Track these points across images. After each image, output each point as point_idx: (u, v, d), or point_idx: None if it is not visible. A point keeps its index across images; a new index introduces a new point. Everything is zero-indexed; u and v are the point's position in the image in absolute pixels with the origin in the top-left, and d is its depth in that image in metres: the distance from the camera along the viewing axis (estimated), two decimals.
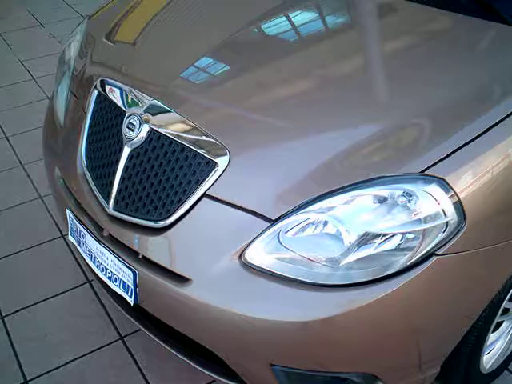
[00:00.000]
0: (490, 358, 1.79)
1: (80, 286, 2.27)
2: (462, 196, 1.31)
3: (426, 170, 1.33)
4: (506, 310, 1.72)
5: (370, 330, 1.37)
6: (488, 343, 1.70)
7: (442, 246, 1.32)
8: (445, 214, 1.31)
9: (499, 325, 1.76)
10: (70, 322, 2.12)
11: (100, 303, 2.19)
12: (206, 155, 1.48)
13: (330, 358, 1.42)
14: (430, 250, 1.32)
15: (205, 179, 1.47)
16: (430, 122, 1.44)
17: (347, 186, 1.35)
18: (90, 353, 2.02)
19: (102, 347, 2.04)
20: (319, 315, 1.34)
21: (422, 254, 1.32)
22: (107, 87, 1.78)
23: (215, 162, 1.46)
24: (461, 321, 1.48)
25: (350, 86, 1.58)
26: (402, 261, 1.32)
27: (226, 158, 1.46)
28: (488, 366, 1.79)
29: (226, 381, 1.59)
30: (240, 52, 1.81)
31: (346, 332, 1.36)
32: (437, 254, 1.32)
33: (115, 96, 1.74)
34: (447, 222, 1.31)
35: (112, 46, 2.04)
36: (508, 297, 1.60)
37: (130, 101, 1.68)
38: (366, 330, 1.36)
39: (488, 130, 1.38)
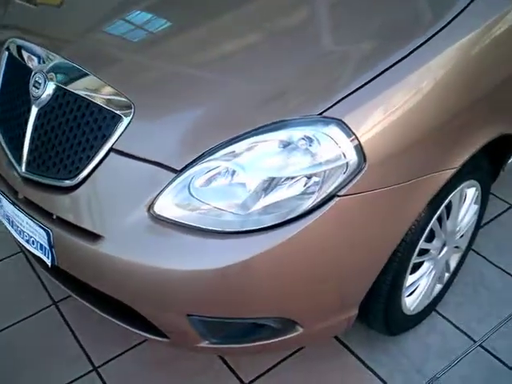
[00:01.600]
0: (413, 300, 1.83)
1: (13, 255, 2.25)
2: (360, 136, 1.32)
3: (324, 111, 1.33)
4: (425, 251, 1.75)
5: (280, 274, 1.38)
6: (407, 284, 1.73)
7: (343, 187, 1.33)
8: (344, 155, 1.32)
9: (420, 266, 1.79)
10: (0, 291, 2.10)
11: (32, 270, 2.17)
12: (110, 109, 1.46)
13: (244, 304, 1.44)
14: (332, 191, 1.33)
15: (111, 134, 1.45)
16: (329, 65, 1.44)
17: (249, 132, 1.35)
18: (22, 320, 2.00)
19: (34, 314, 2.03)
20: (229, 262, 1.34)
21: (324, 196, 1.33)
22: (17, 47, 1.74)
23: (120, 116, 1.45)
24: (371, 261, 1.50)
25: (257, 36, 1.57)
26: (306, 204, 1.33)
27: (131, 110, 1.44)
28: (412, 308, 1.83)
29: (150, 335, 1.60)
30: (153, 7, 1.78)
31: (256, 277, 1.38)
32: (339, 196, 1.33)
33: (24, 56, 1.70)
34: (347, 163, 1.32)
35: (26, 6, 1.99)
36: (423, 237, 1.63)
37: (36, 59, 1.64)
38: (275, 274, 1.38)
39: (386, 70, 1.38)
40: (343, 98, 1.34)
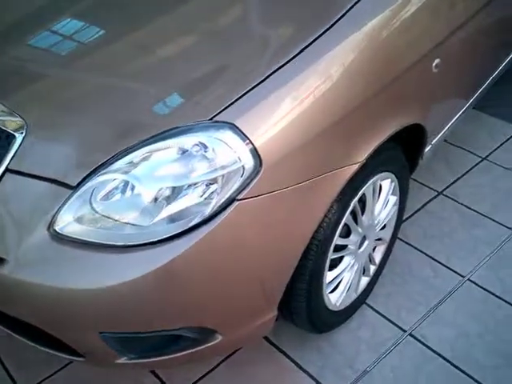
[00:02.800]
0: (337, 295, 1.83)
1: None
2: (255, 139, 1.31)
3: (215, 116, 1.32)
4: (343, 246, 1.75)
5: (189, 284, 1.36)
6: (328, 281, 1.73)
7: (241, 191, 1.32)
8: (240, 159, 1.31)
9: (340, 261, 1.80)
10: None
11: None
12: (3, 128, 1.42)
13: (155, 317, 1.41)
14: (231, 195, 1.31)
15: (5, 154, 1.41)
16: (222, 68, 1.43)
17: (142, 142, 1.33)
18: None
19: None
20: (133, 276, 1.31)
21: (223, 200, 1.31)
22: None
23: (13, 135, 1.41)
24: (282, 262, 1.49)
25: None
26: (207, 210, 1.31)
27: (24, 128, 1.41)
28: (338, 303, 1.83)
29: (66, 355, 1.56)
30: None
31: (164, 289, 1.35)
32: (238, 199, 1.32)
33: None
34: (243, 167, 1.31)
35: None
36: (337, 234, 1.63)
37: None
38: (184, 283, 1.36)
39: (278, 69, 1.38)
40: (235, 101, 1.33)
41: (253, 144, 1.31)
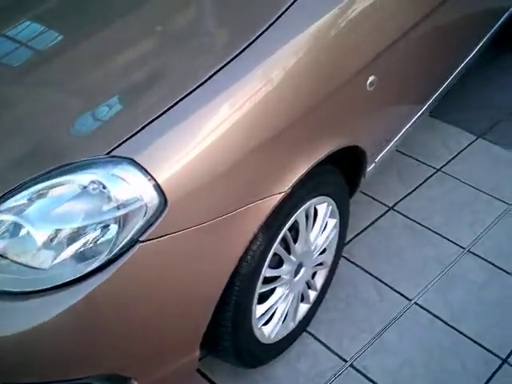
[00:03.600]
0: (272, 328, 1.71)
1: None
2: (157, 174, 1.18)
3: (113, 150, 1.19)
4: (275, 277, 1.64)
5: (91, 330, 1.24)
6: (259, 314, 1.62)
7: (145, 231, 1.20)
8: (142, 197, 1.18)
9: (273, 292, 1.68)
10: None
11: None
12: None
13: (58, 366, 1.29)
14: (133, 237, 1.19)
15: None
16: (121, 99, 1.31)
17: (34, 179, 1.20)
18: None
19: None
20: (28, 324, 1.19)
21: (124, 242, 1.19)
22: None
23: None
24: (198, 303, 1.38)
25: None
26: (108, 252, 1.19)
27: None
28: (273, 336, 1.72)
29: None
30: None
31: (61, 336, 1.23)
32: (141, 241, 1.20)
33: None
34: (146, 205, 1.18)
35: None
36: (265, 266, 1.52)
37: None
38: (85, 330, 1.23)
39: (186, 96, 1.25)
40: (136, 133, 1.20)
41: (155, 180, 1.18)
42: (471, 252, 2.19)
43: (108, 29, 1.52)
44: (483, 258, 2.16)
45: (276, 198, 1.40)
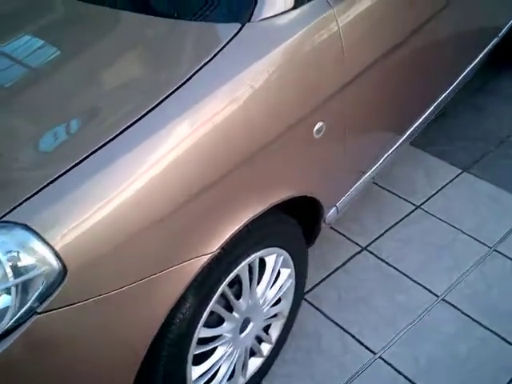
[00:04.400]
0: None
1: None
2: (55, 242, 1.07)
3: (5, 215, 1.08)
4: (216, 336, 1.52)
5: None
6: (197, 375, 1.50)
7: (43, 302, 1.08)
8: (38, 266, 1.07)
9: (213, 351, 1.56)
10: None
11: None
12: None
13: None
14: (30, 307, 1.08)
15: None
16: (19, 156, 1.19)
17: None
18: None
19: None
20: None
21: (19, 315, 1.08)
22: None
23: None
24: (116, 372, 1.26)
25: None
26: (2, 324, 1.08)
27: None
28: None
29: None
30: None
31: None
32: (38, 312, 1.08)
33: None
34: (43, 274, 1.07)
35: None
36: (199, 327, 1.40)
37: None
38: None
39: (87, 157, 1.13)
40: (32, 196, 1.09)
41: (53, 247, 1.07)
42: (445, 301, 2.04)
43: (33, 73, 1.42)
44: (458, 308, 2.02)
45: (202, 260, 1.28)
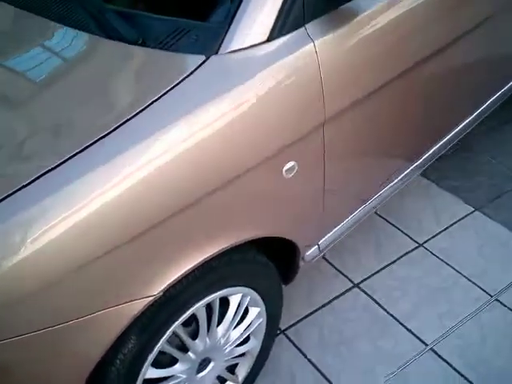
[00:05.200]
0: None
1: None
2: None
3: None
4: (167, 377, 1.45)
5: None
6: None
7: None
8: None
9: None
10: None
11: None
12: None
13: None
14: None
15: None
16: None
17: None
18: None
19: None
20: None
21: None
22: None
23: None
24: None
25: None
26: None
27: None
28: None
29: None
30: None
31: None
32: None
33: None
34: None
35: None
36: (144, 368, 1.33)
37: None
38: None
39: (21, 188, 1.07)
40: None
41: None
42: (434, 351, 1.92)
43: None
44: (446, 361, 1.89)
45: (144, 302, 1.21)
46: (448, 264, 2.22)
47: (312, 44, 1.33)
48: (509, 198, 2.49)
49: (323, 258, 2.22)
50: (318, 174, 1.48)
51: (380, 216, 2.42)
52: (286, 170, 1.37)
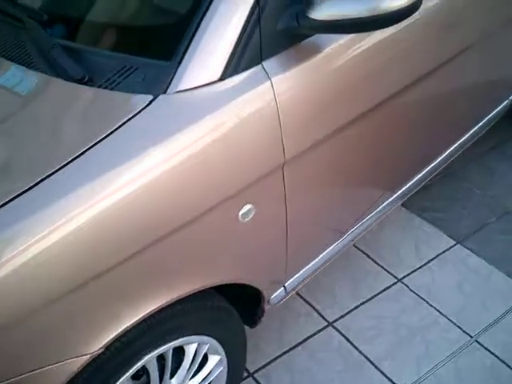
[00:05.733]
0: None
1: None
2: None
3: None
4: None
5: None
6: None
7: None
8: None
9: None
10: None
11: None
12: None
13: None
14: None
15: None
16: None
17: None
18: None
19: None
20: None
21: None
22: None
23: None
24: None
25: None
26: None
27: None
28: None
29: None
30: None
31: None
32: None
33: None
34: None
35: None
36: None
37: None
38: None
39: None
40: None
41: None
42: None
43: None
44: None
45: (82, 359, 1.12)
46: (427, 301, 2.13)
47: (269, 82, 1.26)
48: (491, 231, 2.42)
49: (297, 294, 2.14)
50: (278, 217, 1.40)
51: (358, 248, 2.34)
52: (243, 214, 1.29)
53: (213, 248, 1.29)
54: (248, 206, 1.29)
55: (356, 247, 2.33)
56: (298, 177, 1.39)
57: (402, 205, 2.41)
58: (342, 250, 1.89)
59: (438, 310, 2.10)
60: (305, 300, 2.14)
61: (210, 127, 1.17)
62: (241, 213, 1.28)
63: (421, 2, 1.24)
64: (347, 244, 1.89)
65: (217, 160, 1.19)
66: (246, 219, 1.30)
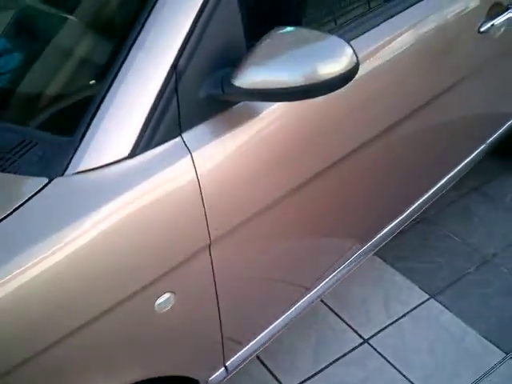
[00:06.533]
0: None
1: None
2: None
3: None
4: None
5: None
6: None
7: None
8: None
9: None
10: None
11: None
12: None
13: None
14: None
15: None
16: None
17: None
18: None
19: None
20: None
21: None
22: None
23: None
24: None
25: None
26: None
27: None
28: None
29: None
30: None
31: None
32: None
33: None
34: None
35: None
36: None
37: None
38: None
39: None
40: None
41: None
42: None
43: None
44: None
45: None
46: (393, 365, 1.98)
47: (189, 156, 1.11)
48: (468, 283, 2.26)
49: (256, 357, 1.99)
50: (206, 302, 1.26)
51: (325, 304, 2.19)
52: (159, 304, 1.14)
53: (134, 340, 1.14)
54: (167, 295, 1.15)
55: (322, 302, 2.18)
56: (229, 255, 1.25)
57: (376, 253, 2.27)
58: (303, 312, 1.74)
59: (404, 376, 1.94)
60: (263, 364, 1.99)
61: (113, 212, 1.03)
62: (157, 303, 1.14)
63: (358, 68, 1.10)
64: (307, 306, 1.74)
65: (123, 250, 1.05)
66: (165, 309, 1.15)
